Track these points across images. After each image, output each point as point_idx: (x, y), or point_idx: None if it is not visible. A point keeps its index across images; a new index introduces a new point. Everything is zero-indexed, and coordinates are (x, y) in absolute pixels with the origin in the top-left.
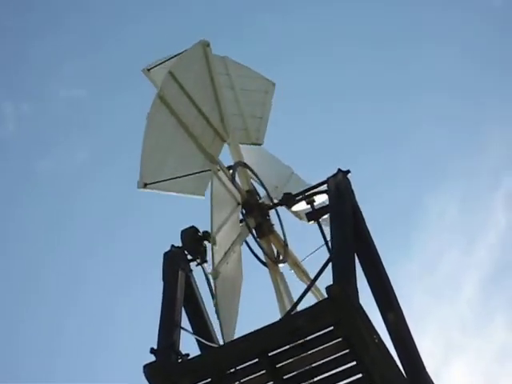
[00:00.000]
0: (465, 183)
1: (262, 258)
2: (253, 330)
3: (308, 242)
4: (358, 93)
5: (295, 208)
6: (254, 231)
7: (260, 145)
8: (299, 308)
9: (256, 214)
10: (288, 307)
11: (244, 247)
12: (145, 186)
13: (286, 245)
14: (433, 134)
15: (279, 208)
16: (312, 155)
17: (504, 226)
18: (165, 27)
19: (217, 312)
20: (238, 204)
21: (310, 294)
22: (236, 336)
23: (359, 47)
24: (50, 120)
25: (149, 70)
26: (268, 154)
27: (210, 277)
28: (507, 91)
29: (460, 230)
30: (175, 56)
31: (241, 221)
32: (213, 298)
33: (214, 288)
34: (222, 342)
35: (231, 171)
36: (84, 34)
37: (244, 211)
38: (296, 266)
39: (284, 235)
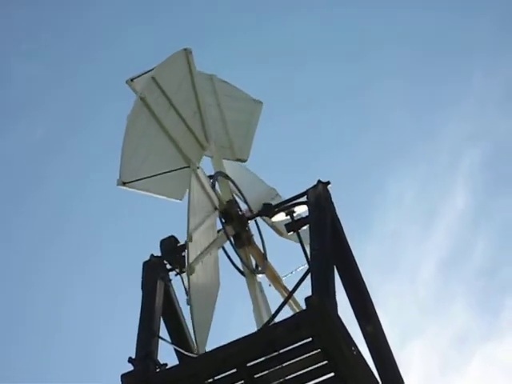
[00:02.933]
0: (423, 165)
1: (240, 267)
2: (231, 341)
3: (287, 254)
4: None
5: (275, 219)
6: (231, 239)
7: (245, 161)
8: (277, 319)
9: (235, 223)
10: (265, 318)
11: (222, 256)
12: (124, 184)
13: (265, 258)
14: (393, 118)
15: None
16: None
17: (462, 208)
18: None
19: (192, 317)
20: (216, 209)
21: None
22: (213, 346)
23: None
24: (5, 97)
25: (132, 80)
26: (252, 173)
27: (185, 280)
28: (459, 77)
29: (419, 212)
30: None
31: (219, 231)
32: (189, 304)
33: (188, 288)
34: (194, 349)
35: (211, 180)
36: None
37: (223, 220)
38: (275, 279)
39: (264, 247)
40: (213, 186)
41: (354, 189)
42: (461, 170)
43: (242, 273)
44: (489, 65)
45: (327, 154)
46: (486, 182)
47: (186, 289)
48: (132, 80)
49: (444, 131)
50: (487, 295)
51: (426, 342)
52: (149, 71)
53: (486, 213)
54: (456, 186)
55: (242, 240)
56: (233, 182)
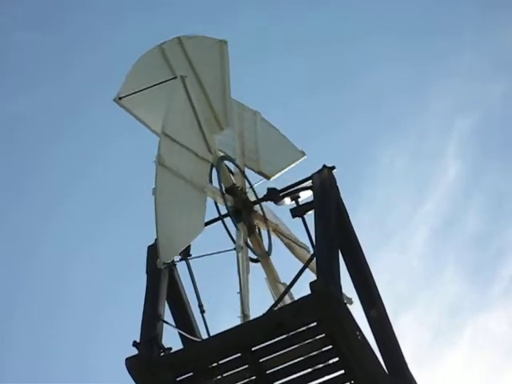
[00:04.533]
0: (414, 136)
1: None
2: (236, 325)
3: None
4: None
5: (280, 204)
6: (249, 242)
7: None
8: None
9: (244, 216)
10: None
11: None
12: (164, 264)
13: (265, 220)
14: (386, 94)
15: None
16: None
17: (454, 178)
18: None
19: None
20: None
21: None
22: (215, 330)
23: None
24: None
25: (120, 98)
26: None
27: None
28: (448, 54)
29: (409, 180)
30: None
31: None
32: (196, 293)
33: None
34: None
35: (215, 171)
36: None
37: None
38: (276, 231)
39: (262, 211)
40: (222, 194)
41: (346, 162)
42: (452, 141)
43: (255, 261)
44: (477, 41)
45: (321, 130)
46: (476, 152)
47: (191, 274)
48: (120, 98)
49: (435, 103)
50: (479, 266)
51: (418, 313)
52: (140, 91)
53: (478, 182)
54: (447, 156)
55: (251, 227)
56: (229, 157)
